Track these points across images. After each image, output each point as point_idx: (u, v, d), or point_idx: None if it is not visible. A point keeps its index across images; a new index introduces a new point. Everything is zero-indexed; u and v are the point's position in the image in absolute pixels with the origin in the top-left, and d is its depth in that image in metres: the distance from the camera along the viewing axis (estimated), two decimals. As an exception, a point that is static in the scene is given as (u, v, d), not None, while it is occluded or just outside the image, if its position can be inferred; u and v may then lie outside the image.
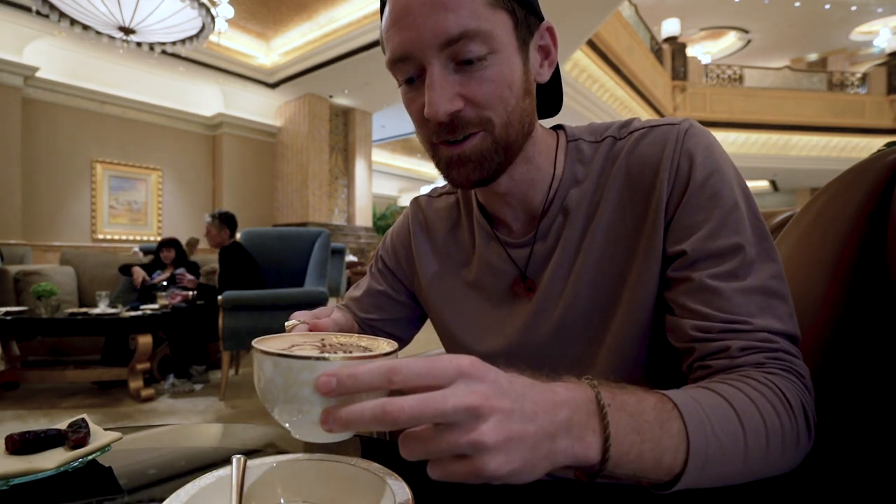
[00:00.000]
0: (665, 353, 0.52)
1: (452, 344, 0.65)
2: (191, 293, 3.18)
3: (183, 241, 3.99)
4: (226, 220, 3.21)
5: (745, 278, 0.44)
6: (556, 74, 0.56)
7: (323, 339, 0.41)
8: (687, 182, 0.47)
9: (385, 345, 0.39)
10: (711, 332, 0.43)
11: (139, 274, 3.51)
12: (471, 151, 0.48)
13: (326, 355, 0.36)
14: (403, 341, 0.72)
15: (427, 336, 0.74)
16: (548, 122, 0.60)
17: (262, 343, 0.37)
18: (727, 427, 0.36)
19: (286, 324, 0.49)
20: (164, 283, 3.47)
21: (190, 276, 3.28)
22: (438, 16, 0.43)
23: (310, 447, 0.54)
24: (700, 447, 0.34)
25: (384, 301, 0.69)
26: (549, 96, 0.59)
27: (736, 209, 0.46)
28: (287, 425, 0.39)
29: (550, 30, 0.51)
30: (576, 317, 0.53)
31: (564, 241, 0.54)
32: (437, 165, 0.51)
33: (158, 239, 7.25)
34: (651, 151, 0.50)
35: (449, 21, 0.43)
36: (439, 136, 0.48)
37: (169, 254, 3.65)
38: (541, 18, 0.50)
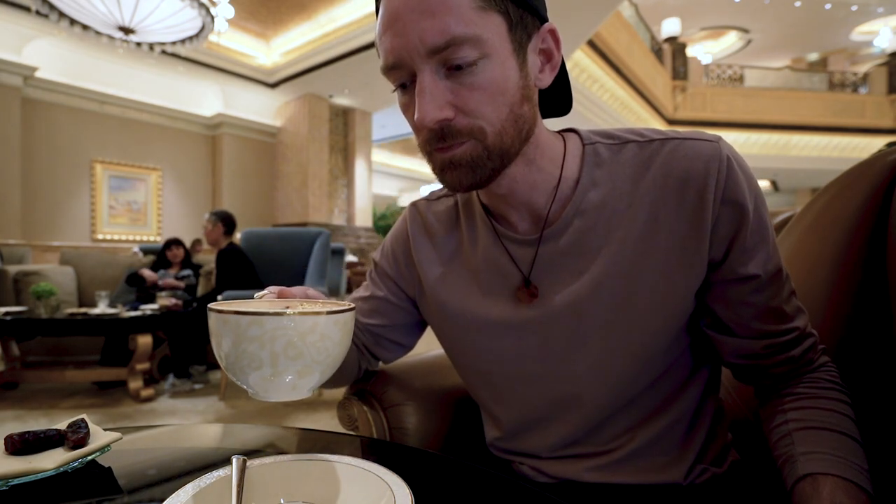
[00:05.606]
0: (677, 358, 0.54)
1: (455, 348, 0.64)
2: (181, 301, 3.15)
3: (187, 244, 3.98)
4: (222, 217, 3.21)
5: (793, 292, 0.51)
6: (564, 74, 0.55)
7: (287, 306, 0.40)
8: (742, 208, 0.48)
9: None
10: (777, 347, 0.51)
11: (151, 276, 3.49)
12: (461, 156, 0.47)
13: (276, 310, 0.35)
14: (406, 347, 0.72)
15: (429, 337, 0.74)
16: (556, 123, 0.58)
17: (219, 305, 0.36)
18: (852, 451, 0.45)
19: (256, 294, 0.49)
20: (186, 275, 3.55)
21: (175, 301, 3.12)
22: (426, 22, 0.42)
23: (309, 447, 0.54)
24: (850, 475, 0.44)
25: (385, 307, 0.68)
26: (557, 96, 0.57)
27: (770, 227, 0.50)
28: (246, 387, 0.39)
29: (553, 32, 0.49)
30: (590, 322, 0.52)
31: (582, 245, 0.52)
32: (433, 170, 0.51)
33: (158, 239, 7.27)
34: (693, 167, 0.48)
35: (436, 27, 0.42)
36: (431, 145, 0.48)
37: (178, 252, 3.66)
38: (542, 20, 0.48)
